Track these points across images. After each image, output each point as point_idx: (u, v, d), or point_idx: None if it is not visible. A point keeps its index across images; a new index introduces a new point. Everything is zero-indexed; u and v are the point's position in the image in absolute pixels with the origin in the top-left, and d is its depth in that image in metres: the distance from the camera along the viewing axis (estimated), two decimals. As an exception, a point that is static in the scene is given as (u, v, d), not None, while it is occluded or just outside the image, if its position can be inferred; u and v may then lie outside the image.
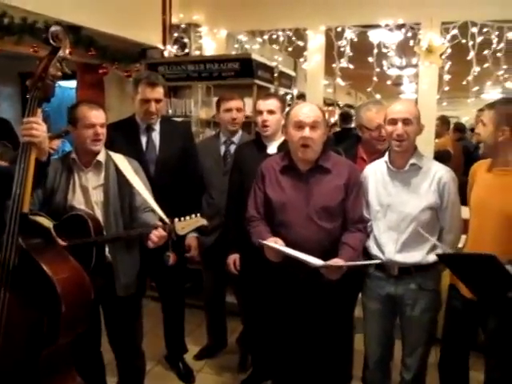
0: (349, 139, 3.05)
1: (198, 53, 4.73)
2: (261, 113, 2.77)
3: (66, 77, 1.92)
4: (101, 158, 2.31)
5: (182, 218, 2.16)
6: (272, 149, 2.77)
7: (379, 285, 2.31)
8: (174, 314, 3.07)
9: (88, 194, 2.27)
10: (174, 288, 3.01)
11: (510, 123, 2.09)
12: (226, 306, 3.44)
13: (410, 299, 2.26)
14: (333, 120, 8.44)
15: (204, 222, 2.21)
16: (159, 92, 2.72)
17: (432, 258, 2.22)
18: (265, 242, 2.18)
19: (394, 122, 2.21)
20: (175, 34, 4.66)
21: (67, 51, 1.83)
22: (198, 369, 3.21)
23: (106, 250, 2.27)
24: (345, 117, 6.42)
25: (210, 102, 4.24)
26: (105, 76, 4.55)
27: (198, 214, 2.20)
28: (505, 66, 3.97)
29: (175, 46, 4.64)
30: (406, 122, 2.18)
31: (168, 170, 2.77)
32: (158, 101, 2.72)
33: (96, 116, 2.24)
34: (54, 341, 1.68)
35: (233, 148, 3.11)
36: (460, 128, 6.48)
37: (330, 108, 9.08)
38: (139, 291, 2.51)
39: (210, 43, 4.77)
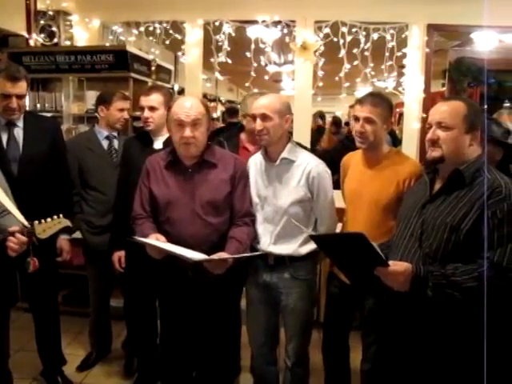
0: (231, 130, 3.07)
1: (68, 43, 4.42)
2: (142, 109, 2.69)
3: None
4: None
5: (43, 221, 1.97)
6: (158, 144, 2.71)
7: (258, 273, 2.36)
8: (48, 324, 2.82)
9: None
10: (45, 296, 2.77)
11: (391, 115, 2.26)
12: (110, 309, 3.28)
13: (284, 288, 2.32)
14: (215, 115, 8.49)
15: (67, 223, 2.04)
16: (21, 87, 2.47)
17: (304, 250, 2.29)
18: (142, 239, 2.10)
19: (254, 117, 2.25)
20: (42, 22, 4.29)
21: None
22: (79, 380, 3.01)
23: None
24: (231, 111, 6.45)
25: (83, 95, 4.00)
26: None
27: (61, 215, 2.02)
28: (371, 64, 4.25)
29: (42, 35, 4.28)
30: (263, 117, 2.20)
31: (34, 168, 2.55)
32: (20, 97, 2.48)
33: None
34: None
35: (116, 143, 3.06)
36: (337, 122, 6.87)
37: (212, 104, 9.13)
38: (3, 303, 2.25)
39: (82, 33, 4.47)
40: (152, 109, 2.67)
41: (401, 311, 1.87)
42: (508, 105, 4.15)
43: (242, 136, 2.78)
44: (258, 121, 2.21)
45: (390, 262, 1.72)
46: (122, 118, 3.07)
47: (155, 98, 2.69)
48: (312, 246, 2.30)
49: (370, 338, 2.34)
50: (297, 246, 2.28)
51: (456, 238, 1.69)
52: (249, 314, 2.46)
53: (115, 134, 3.10)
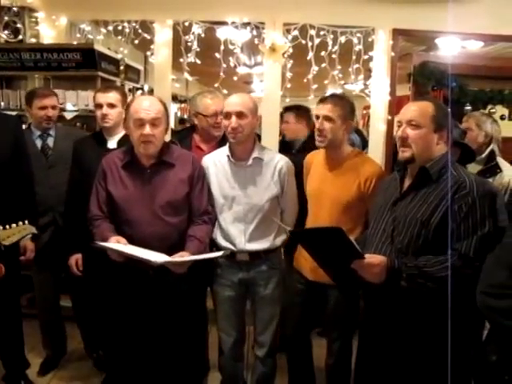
0: (185, 132, 3.07)
1: (34, 40, 4.33)
2: (100, 106, 2.70)
3: None
4: None
5: (8, 226, 1.93)
6: (112, 143, 2.70)
7: (231, 272, 2.37)
8: (10, 327, 2.74)
9: None
10: (7, 298, 2.67)
11: (352, 117, 2.32)
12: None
13: (262, 279, 2.37)
14: (186, 116, 8.48)
15: (33, 229, 2.03)
16: None
17: (279, 241, 2.38)
18: (104, 244, 2.08)
19: (228, 115, 2.26)
20: (5, 18, 4.18)
21: None
22: (45, 383, 2.97)
23: None
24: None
25: (49, 94, 3.92)
26: None
27: (26, 222, 2.00)
28: (339, 67, 4.32)
29: (6, 31, 4.18)
30: (239, 115, 2.24)
31: None
32: None
33: None
34: None
35: (50, 140, 3.03)
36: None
37: (183, 105, 9.10)
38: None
39: (49, 31, 4.37)
40: (111, 106, 2.69)
41: (376, 303, 1.93)
42: (469, 108, 4.30)
43: (195, 136, 2.80)
44: (234, 118, 2.23)
45: (366, 255, 1.78)
46: (44, 115, 2.98)
47: (114, 96, 2.72)
48: (284, 236, 2.39)
49: (334, 333, 2.39)
50: (272, 240, 2.35)
51: (426, 233, 1.77)
52: (220, 314, 2.47)
53: (50, 131, 3.04)
